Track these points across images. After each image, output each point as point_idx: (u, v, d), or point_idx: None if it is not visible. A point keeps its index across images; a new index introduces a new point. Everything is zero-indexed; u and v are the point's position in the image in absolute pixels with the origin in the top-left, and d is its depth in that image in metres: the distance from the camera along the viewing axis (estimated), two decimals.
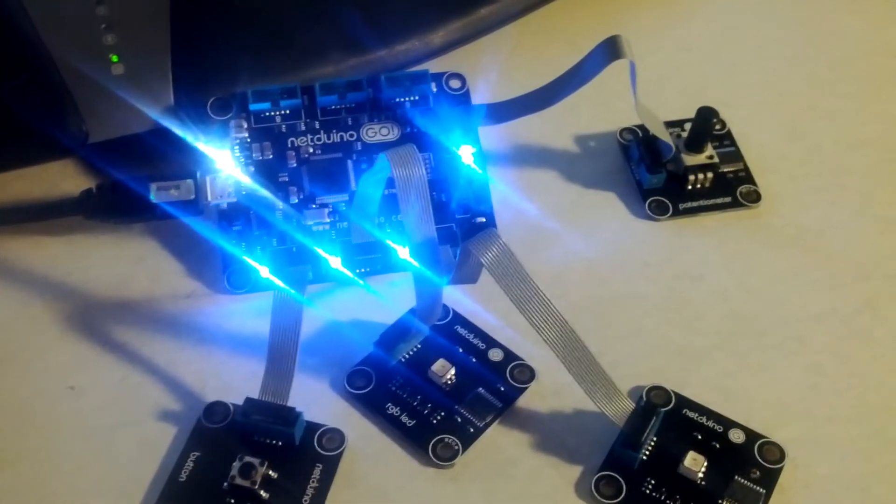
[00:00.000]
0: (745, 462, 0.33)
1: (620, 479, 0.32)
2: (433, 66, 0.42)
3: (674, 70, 0.46)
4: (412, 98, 0.40)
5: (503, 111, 0.40)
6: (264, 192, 0.38)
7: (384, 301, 0.37)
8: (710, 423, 0.34)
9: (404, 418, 0.34)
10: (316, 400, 0.34)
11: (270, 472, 0.32)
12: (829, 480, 0.33)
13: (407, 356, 0.35)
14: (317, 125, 0.40)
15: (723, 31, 0.48)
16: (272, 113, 0.40)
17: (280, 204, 0.38)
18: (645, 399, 0.34)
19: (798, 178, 0.42)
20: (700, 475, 0.32)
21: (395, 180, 0.32)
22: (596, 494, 0.32)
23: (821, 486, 0.33)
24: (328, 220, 0.38)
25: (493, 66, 0.44)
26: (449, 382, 0.35)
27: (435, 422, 0.34)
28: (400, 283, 0.38)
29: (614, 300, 0.38)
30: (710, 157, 0.40)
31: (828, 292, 0.38)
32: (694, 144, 0.40)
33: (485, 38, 0.45)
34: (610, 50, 0.36)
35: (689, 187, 0.40)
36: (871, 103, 0.45)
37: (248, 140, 0.39)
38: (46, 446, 0.33)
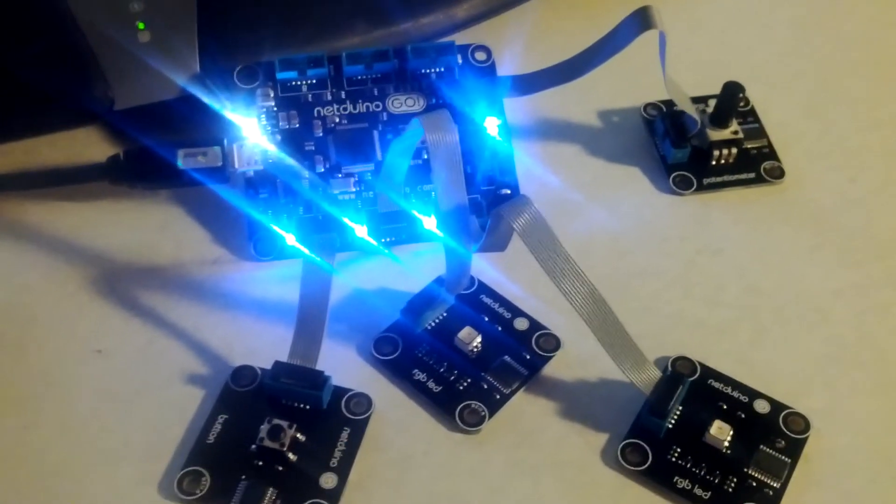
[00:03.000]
0: (771, 432, 0.33)
1: (646, 446, 0.33)
2: (457, 39, 0.42)
3: (691, 48, 0.46)
4: (438, 69, 0.40)
5: (529, 83, 0.40)
6: (291, 161, 0.38)
7: (409, 270, 0.37)
8: (735, 394, 0.34)
9: (431, 384, 0.34)
10: (343, 365, 0.34)
11: (298, 435, 0.32)
12: (852, 451, 0.33)
13: (432, 324, 0.36)
14: (343, 95, 0.40)
15: (738, 10, 0.48)
16: (299, 82, 0.40)
17: (306, 173, 0.38)
18: (671, 369, 0.34)
19: (817, 156, 0.42)
20: (726, 444, 0.32)
21: (428, 146, 0.32)
22: (622, 461, 0.32)
23: (844, 456, 0.33)
24: (354, 190, 0.38)
25: (516, 39, 0.44)
26: (475, 350, 0.35)
27: (461, 388, 0.34)
28: (425, 252, 0.38)
29: (637, 273, 0.38)
30: (735, 133, 0.40)
31: (848, 268, 0.38)
32: (719, 119, 0.40)
33: (508, 13, 0.45)
34: (641, 20, 0.36)
35: (713, 163, 0.40)
36: (889, 82, 0.45)
37: (275, 109, 0.39)
38: (73, 409, 0.34)
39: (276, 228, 0.37)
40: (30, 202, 0.39)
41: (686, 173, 0.40)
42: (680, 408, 0.33)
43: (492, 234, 0.33)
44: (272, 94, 0.39)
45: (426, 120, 0.32)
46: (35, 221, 0.38)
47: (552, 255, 0.31)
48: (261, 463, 0.32)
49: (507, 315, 0.36)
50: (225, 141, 0.38)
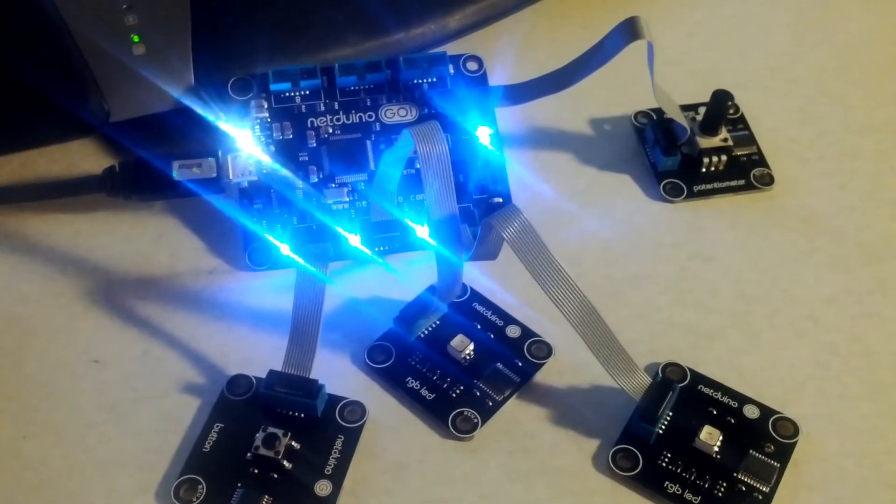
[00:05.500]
0: (760, 437, 0.33)
1: (637, 452, 0.33)
2: (449, 49, 0.42)
3: (684, 55, 0.46)
4: (430, 80, 0.41)
5: (521, 92, 0.41)
6: (285, 172, 0.39)
7: (402, 279, 0.38)
8: (725, 399, 0.34)
9: (424, 392, 0.34)
10: (337, 374, 0.35)
11: (293, 443, 0.32)
12: (842, 456, 0.33)
13: (426, 332, 0.36)
14: (336, 106, 0.40)
15: (731, 17, 0.49)
16: (292, 93, 0.40)
17: (300, 183, 0.39)
18: (661, 375, 0.35)
19: (809, 162, 0.42)
20: (715, 449, 0.33)
21: (418, 156, 0.32)
22: (613, 467, 0.33)
23: (833, 461, 0.33)
24: (347, 199, 0.39)
25: (507, 49, 0.45)
26: (467, 358, 0.35)
27: (454, 395, 0.34)
28: (418, 261, 0.38)
29: (629, 280, 0.38)
30: (725, 140, 0.41)
31: (839, 273, 0.38)
32: (709, 127, 0.41)
33: (500, 23, 0.45)
34: (629, 30, 0.37)
35: (704, 170, 0.41)
36: (879, 89, 0.46)
37: (269, 120, 0.40)
38: (70, 419, 0.34)
39: (270, 238, 0.38)
40: (26, 214, 0.39)
41: (676, 181, 0.41)
42: (670, 414, 0.34)
43: (482, 243, 0.33)
44: (266, 106, 0.40)
45: (416, 131, 0.32)
46: (31, 233, 0.39)
47: (541, 264, 0.32)
48: (256, 471, 0.32)
49: (500, 323, 0.36)
50: (219, 152, 0.38)
